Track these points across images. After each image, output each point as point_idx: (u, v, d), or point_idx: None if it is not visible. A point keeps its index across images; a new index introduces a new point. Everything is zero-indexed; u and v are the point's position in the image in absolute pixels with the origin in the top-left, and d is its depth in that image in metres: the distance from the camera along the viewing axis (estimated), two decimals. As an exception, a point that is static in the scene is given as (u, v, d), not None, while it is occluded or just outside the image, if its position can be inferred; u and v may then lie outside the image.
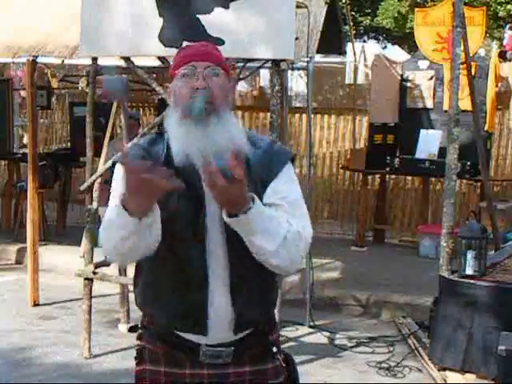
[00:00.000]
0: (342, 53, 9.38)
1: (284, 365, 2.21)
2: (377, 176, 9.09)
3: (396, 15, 14.71)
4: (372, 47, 11.60)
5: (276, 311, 2.30)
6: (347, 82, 10.55)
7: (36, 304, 6.25)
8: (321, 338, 5.63)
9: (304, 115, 9.63)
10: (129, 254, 1.96)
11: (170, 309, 2.07)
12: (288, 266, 2.04)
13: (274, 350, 2.18)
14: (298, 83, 10.29)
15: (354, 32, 11.84)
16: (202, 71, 2.01)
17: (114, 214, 1.89)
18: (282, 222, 1.99)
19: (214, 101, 1.99)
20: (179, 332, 2.09)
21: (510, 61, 9.00)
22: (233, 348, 2.09)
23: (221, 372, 2.10)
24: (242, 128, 2.13)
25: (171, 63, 2.14)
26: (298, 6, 5.21)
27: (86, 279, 5.03)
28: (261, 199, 1.99)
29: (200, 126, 1.97)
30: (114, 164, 2.13)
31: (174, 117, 2.04)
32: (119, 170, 2.02)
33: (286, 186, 2.08)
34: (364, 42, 15.87)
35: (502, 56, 8.89)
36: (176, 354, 2.11)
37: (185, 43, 4.40)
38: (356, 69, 9.74)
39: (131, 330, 5.46)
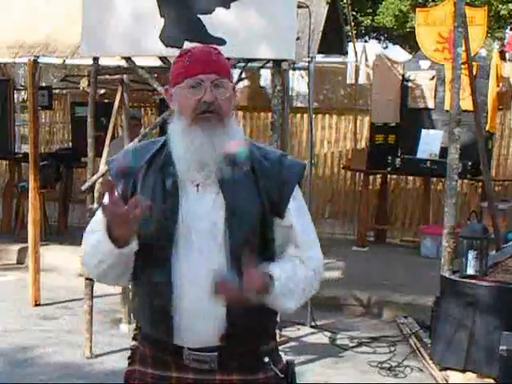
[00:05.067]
0: (344, 53, 9.36)
1: (282, 376, 2.12)
2: (378, 176, 9.09)
3: (397, 13, 14.68)
4: (373, 47, 11.59)
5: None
6: (348, 82, 10.56)
7: (37, 304, 6.25)
8: (322, 337, 5.63)
9: (305, 115, 9.64)
10: (103, 277, 2.09)
11: (144, 315, 2.09)
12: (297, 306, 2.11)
13: (266, 360, 2.10)
14: (299, 83, 10.31)
15: (355, 32, 11.83)
16: (209, 85, 2.01)
17: (99, 239, 1.99)
18: (299, 275, 2.03)
19: (220, 112, 2.02)
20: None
21: (510, 61, 8.99)
22: (216, 354, 2.02)
23: (206, 378, 2.05)
24: (244, 136, 2.14)
25: (172, 64, 2.14)
26: (299, 6, 5.20)
27: (87, 279, 5.03)
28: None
29: (207, 133, 2.00)
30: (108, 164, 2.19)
31: (179, 125, 2.05)
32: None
33: (299, 211, 2.09)
34: (365, 41, 15.83)
35: (502, 56, 8.87)
36: (162, 356, 2.08)
37: (186, 44, 4.42)
38: (357, 69, 9.73)
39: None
